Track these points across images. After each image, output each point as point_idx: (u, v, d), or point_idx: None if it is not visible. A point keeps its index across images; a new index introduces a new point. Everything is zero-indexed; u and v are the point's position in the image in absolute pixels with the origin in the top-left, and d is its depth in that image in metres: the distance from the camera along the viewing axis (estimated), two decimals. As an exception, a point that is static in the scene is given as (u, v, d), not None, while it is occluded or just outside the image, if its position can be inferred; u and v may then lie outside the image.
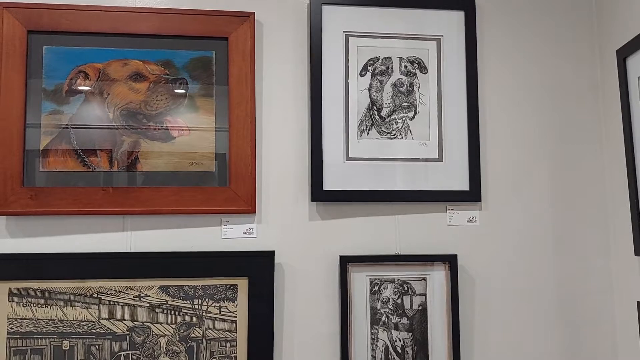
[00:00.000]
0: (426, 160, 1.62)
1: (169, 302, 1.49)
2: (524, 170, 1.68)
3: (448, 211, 1.63)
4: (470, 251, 1.62)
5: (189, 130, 1.56)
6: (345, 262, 1.55)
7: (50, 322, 1.45)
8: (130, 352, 1.46)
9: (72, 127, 1.52)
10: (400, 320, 1.56)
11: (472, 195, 1.62)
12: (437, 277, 1.58)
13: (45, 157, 1.50)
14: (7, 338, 1.43)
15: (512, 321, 1.63)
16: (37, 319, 1.45)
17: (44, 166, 1.50)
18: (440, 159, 1.63)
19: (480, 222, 1.64)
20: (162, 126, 1.55)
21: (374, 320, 1.55)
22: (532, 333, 1.63)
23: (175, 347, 1.48)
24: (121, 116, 1.54)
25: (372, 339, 1.55)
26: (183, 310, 1.49)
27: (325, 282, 1.58)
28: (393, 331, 1.56)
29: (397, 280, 1.57)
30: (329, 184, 1.58)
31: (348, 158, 1.60)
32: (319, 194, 1.57)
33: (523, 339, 1.63)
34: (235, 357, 1.49)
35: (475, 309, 1.61)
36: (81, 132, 1.52)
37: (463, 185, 1.62)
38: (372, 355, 1.54)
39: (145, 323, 1.47)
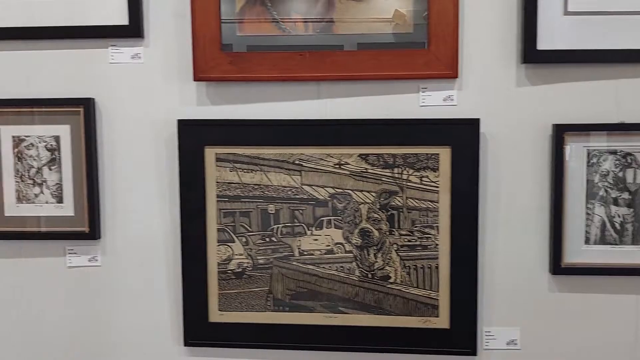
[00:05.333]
0: (665, 11, 1.36)
1: (368, 170, 1.45)
2: None
3: (687, 72, 1.39)
4: None
5: (385, -14, 1.42)
6: (561, 131, 1.40)
7: (256, 187, 1.48)
8: (332, 217, 1.47)
9: (266, -12, 1.44)
10: (620, 195, 1.41)
11: None
12: (670, 148, 1.39)
13: (241, 21, 1.46)
14: (217, 201, 1.50)
15: None
16: (244, 184, 1.49)
17: (240, 31, 1.46)
18: (683, 9, 1.36)
19: None
20: (356, -18, 1.42)
21: (590, 195, 1.41)
22: None
23: (376, 215, 1.46)
24: (311, -27, 1.43)
25: (587, 214, 1.42)
26: (383, 179, 1.45)
27: (534, 153, 1.44)
28: (612, 206, 1.41)
29: (620, 151, 1.40)
30: (543, 43, 1.39)
31: (567, 12, 1.39)
32: (531, 54, 1.39)
33: None
34: (437, 227, 1.44)
35: None
36: (275, -7, 1.44)
37: None
38: (586, 231, 1.42)
39: (346, 190, 1.46)
